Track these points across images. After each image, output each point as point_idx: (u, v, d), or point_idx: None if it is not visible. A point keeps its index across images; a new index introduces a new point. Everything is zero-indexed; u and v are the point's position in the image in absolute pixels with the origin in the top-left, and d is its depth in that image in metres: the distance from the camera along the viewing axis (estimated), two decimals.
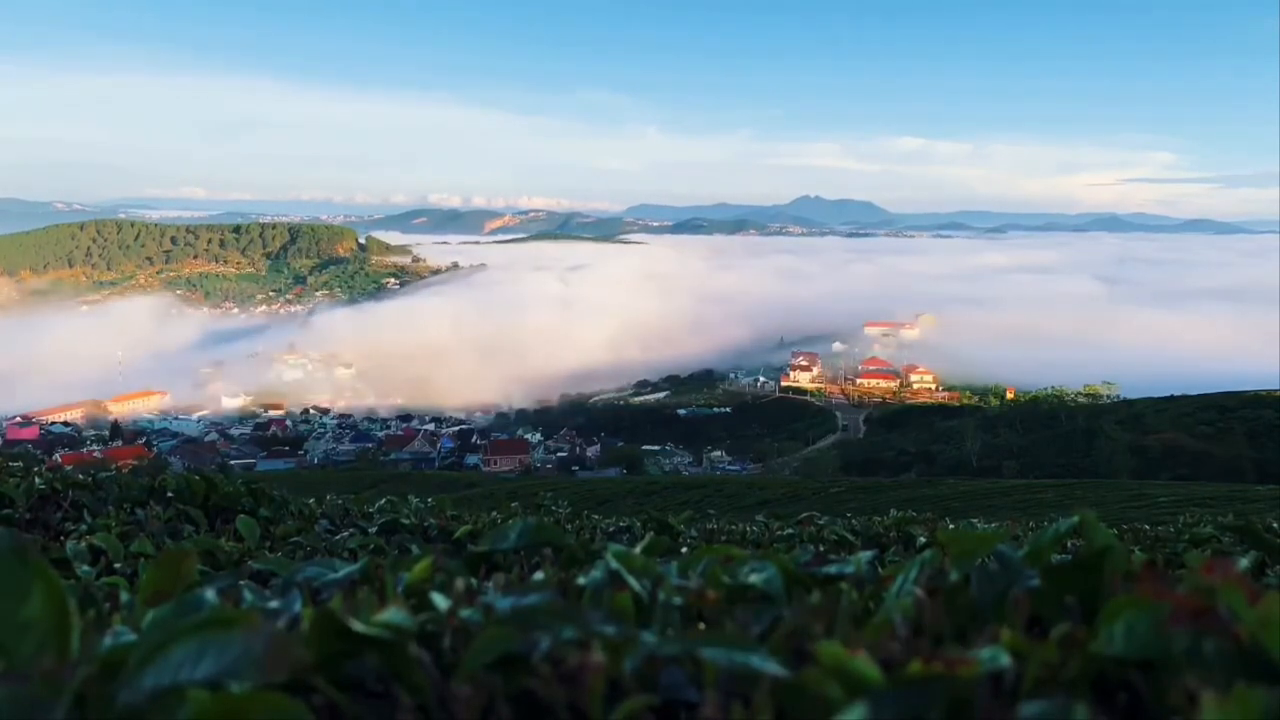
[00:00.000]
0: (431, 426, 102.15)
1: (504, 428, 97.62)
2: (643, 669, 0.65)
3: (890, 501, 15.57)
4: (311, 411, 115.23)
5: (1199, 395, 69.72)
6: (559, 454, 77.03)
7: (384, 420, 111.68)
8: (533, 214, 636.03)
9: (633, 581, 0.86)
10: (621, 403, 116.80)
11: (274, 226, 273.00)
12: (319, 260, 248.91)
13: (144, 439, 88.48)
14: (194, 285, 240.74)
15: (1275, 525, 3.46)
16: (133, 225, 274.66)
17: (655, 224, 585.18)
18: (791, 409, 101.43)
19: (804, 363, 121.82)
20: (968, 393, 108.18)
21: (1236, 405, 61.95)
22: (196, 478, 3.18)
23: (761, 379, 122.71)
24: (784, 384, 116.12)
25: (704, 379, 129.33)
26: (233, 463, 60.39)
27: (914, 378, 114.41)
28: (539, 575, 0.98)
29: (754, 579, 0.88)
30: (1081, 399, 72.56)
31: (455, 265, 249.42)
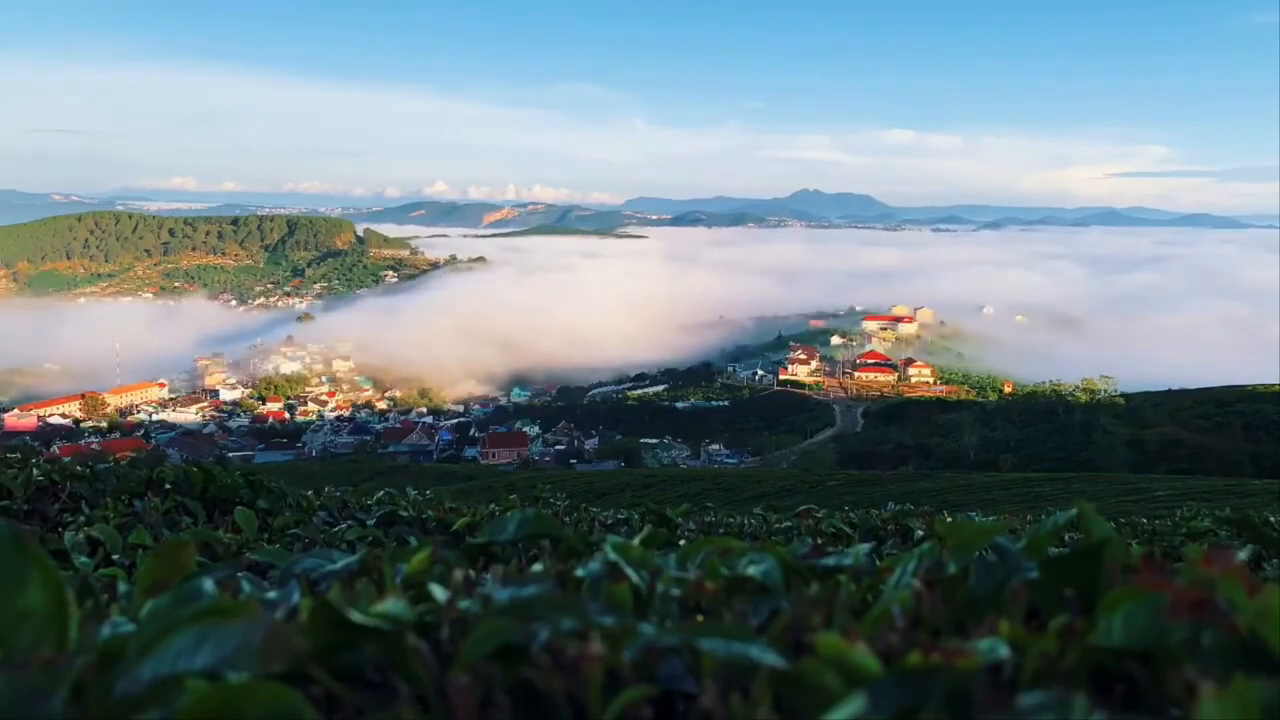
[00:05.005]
0: (429, 419, 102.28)
1: (502, 420, 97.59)
2: (641, 659, 0.64)
3: (888, 495, 15.59)
4: (310, 404, 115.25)
5: (1196, 390, 69.98)
6: (557, 447, 77.08)
7: (382, 413, 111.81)
8: (531, 206, 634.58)
9: (631, 573, 0.85)
10: (619, 396, 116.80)
11: (272, 219, 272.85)
12: (317, 253, 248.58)
13: (142, 431, 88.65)
14: (192, 277, 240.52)
15: (1272, 519, 3.47)
16: (130, 217, 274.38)
17: (654, 217, 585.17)
18: (789, 402, 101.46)
19: (802, 356, 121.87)
20: (965, 387, 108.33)
21: (1234, 400, 62.17)
22: (194, 469, 3.18)
23: (759, 372, 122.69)
24: (782, 377, 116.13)
25: (702, 372, 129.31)
26: (231, 454, 60.39)
27: (912, 371, 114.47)
28: (537, 567, 0.98)
29: (752, 571, 0.88)
30: (1079, 393, 72.59)
31: (454, 258, 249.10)
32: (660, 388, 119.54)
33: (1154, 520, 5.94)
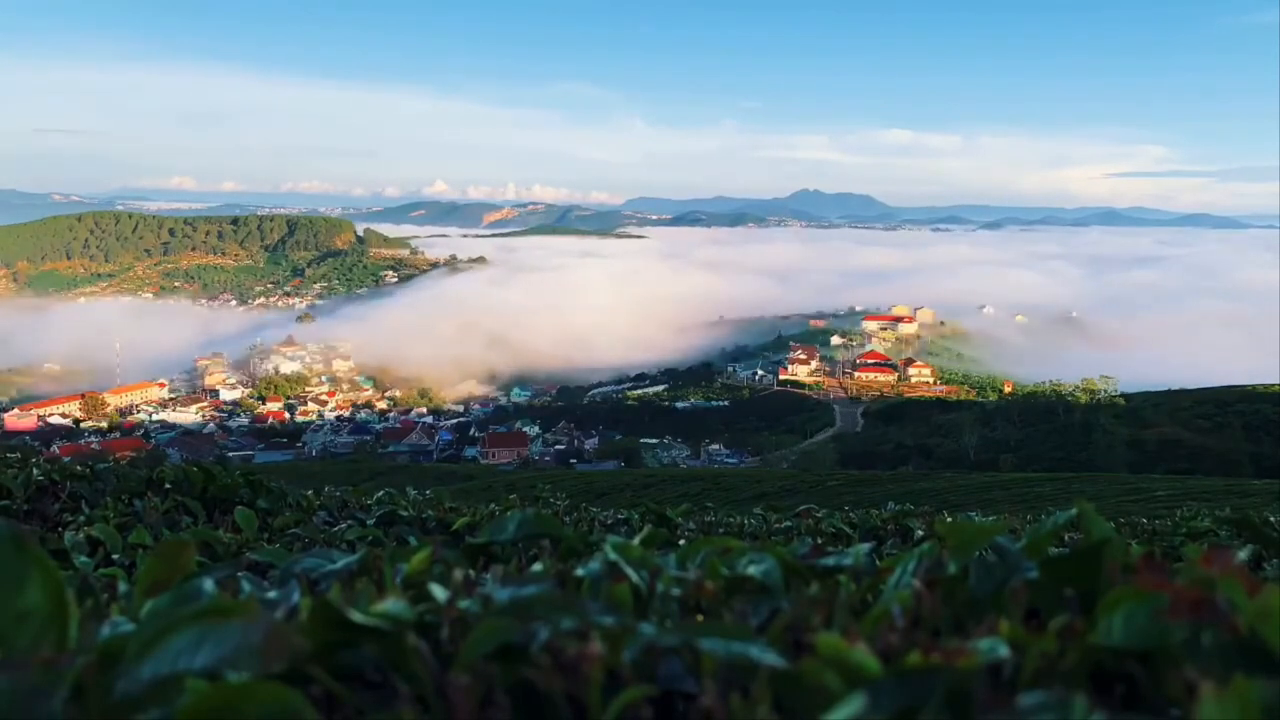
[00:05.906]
0: (429, 419, 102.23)
1: (502, 420, 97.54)
2: (641, 659, 0.64)
3: (887, 495, 15.58)
4: (310, 404, 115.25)
5: (1196, 389, 69.97)
6: (557, 446, 77.02)
7: (382, 413, 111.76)
8: (531, 206, 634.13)
9: (631, 573, 0.85)
10: (619, 396, 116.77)
11: (272, 219, 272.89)
12: (317, 252, 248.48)
13: (142, 431, 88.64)
14: (192, 277, 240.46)
15: (1272, 519, 3.47)
16: (130, 217, 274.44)
17: (654, 217, 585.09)
18: (789, 402, 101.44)
19: (802, 356, 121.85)
20: (965, 387, 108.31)
21: (1234, 400, 62.17)
22: (194, 469, 3.18)
23: (759, 372, 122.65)
24: (782, 377, 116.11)
25: (702, 372, 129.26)
26: (231, 454, 60.43)
27: (912, 371, 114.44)
28: (537, 566, 0.98)
29: (752, 571, 0.88)
30: (1079, 393, 72.55)
31: (454, 258, 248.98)
32: (660, 388, 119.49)
33: (1154, 520, 5.94)
